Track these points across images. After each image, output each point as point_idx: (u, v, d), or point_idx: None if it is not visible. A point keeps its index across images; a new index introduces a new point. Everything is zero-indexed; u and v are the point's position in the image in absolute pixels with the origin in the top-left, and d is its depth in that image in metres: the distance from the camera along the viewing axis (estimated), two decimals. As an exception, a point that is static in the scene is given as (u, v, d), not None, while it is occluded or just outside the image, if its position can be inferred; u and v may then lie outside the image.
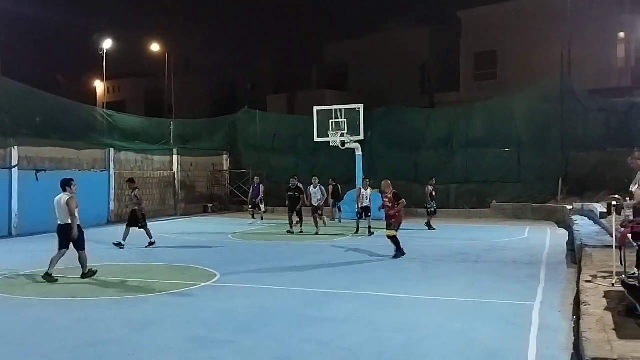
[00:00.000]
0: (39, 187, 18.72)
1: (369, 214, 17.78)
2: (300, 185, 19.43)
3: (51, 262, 10.48)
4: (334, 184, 23.17)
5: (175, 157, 26.16)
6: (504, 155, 24.66)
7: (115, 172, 22.51)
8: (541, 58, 31.31)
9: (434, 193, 19.67)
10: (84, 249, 10.77)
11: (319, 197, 19.58)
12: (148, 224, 15.83)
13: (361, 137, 23.74)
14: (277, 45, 54.84)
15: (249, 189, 27.20)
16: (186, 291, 9.64)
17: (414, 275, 11.10)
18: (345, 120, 23.79)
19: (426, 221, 19.40)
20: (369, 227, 17.67)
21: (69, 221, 10.63)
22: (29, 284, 10.41)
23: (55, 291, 9.71)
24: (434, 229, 18.99)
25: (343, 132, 23.59)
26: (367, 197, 18.06)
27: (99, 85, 55.14)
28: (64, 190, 10.95)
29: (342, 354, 6.38)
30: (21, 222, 18.11)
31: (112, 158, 22.40)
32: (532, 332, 7.11)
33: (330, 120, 23.99)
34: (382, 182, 13.63)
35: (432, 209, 19.71)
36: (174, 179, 26.07)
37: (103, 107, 33.79)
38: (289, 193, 18.77)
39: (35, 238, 17.25)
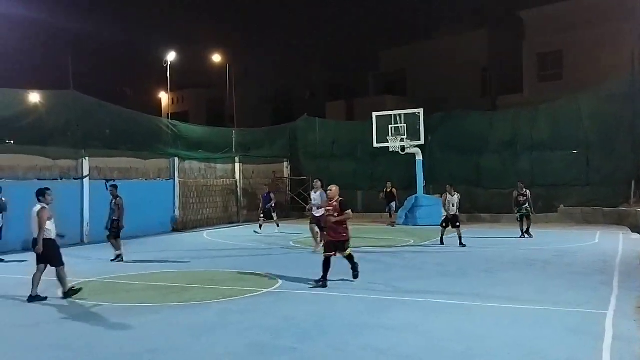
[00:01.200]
0: (108, 196, 19.42)
1: (458, 224, 16.27)
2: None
3: (33, 282, 9.63)
4: (390, 188, 23.34)
5: (237, 165, 26.64)
6: (571, 158, 23.79)
7: (179, 181, 23.09)
8: (609, 57, 30.03)
9: (520, 198, 17.83)
10: (62, 265, 9.75)
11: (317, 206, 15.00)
12: (209, 230, 16.04)
13: (421, 142, 23.49)
14: (334, 52, 55.01)
15: (309, 196, 27.45)
16: (248, 298, 9.73)
17: (479, 282, 10.82)
18: (405, 125, 23.62)
19: (521, 228, 17.86)
20: (460, 238, 16.03)
21: (46, 235, 9.59)
22: (98, 290, 10.76)
23: (122, 296, 10.00)
24: (528, 236, 17.61)
25: (403, 137, 23.42)
26: (454, 204, 16.35)
27: (164, 97, 56.89)
28: (39, 201, 9.81)
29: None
30: (92, 230, 18.81)
31: (176, 167, 23.00)
32: (605, 342, 6.79)
33: (390, 126, 23.87)
34: (330, 187, 11.06)
35: (520, 215, 17.90)
36: (237, 186, 26.52)
37: (168, 118, 34.82)
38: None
39: (106, 245, 17.88)
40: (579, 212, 22.46)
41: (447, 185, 16.97)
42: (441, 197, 23.50)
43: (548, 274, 11.58)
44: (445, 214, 16.51)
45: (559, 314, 8.20)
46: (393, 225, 22.59)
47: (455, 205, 16.41)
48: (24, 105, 18.92)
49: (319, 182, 15.82)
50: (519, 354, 6.46)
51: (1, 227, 15.12)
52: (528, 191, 18.00)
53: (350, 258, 10.84)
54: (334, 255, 10.55)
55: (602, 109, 23.45)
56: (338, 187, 11.05)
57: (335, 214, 10.59)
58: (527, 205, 17.80)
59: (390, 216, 23.35)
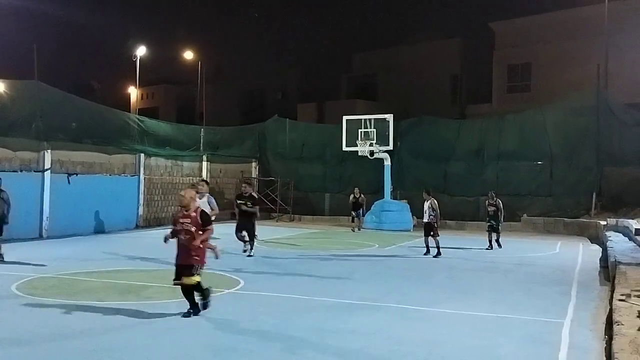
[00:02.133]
0: (70, 190, 19.06)
1: (432, 232, 15.14)
2: (255, 194, 16.62)
3: None
4: (358, 195, 22.08)
5: (204, 163, 26.35)
6: (536, 168, 24.22)
7: (145, 177, 22.74)
8: (576, 71, 30.70)
9: (489, 208, 17.02)
10: None
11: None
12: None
13: (390, 147, 23.62)
14: (306, 54, 55.03)
15: (277, 197, 27.39)
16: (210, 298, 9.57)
17: (440, 288, 10.89)
18: (375, 130, 23.72)
19: (489, 239, 16.88)
20: (437, 248, 15.15)
21: None
22: (54, 286, 10.48)
23: (79, 294, 9.76)
24: (497, 247, 16.81)
25: (372, 141, 23.51)
26: (425, 211, 15.32)
27: (133, 92, 56.07)
28: None
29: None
30: (52, 224, 18.38)
31: (142, 163, 22.64)
32: (562, 351, 6.87)
33: (360, 130, 23.95)
34: (182, 192, 8.51)
35: (488, 225, 17.01)
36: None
37: (136, 113, 34.30)
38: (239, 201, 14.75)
39: (65, 240, 17.51)
40: (541, 222, 22.85)
41: (424, 191, 15.92)
42: (407, 202, 23.82)
43: (508, 282, 11.71)
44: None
45: (517, 322, 8.28)
46: (354, 230, 21.76)
47: (428, 212, 15.26)
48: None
49: (205, 185, 13.53)
50: (478, 360, 6.50)
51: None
52: (499, 200, 17.01)
53: (198, 288, 8.22)
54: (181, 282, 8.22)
55: (567, 121, 23.97)
56: (193, 191, 8.71)
57: (193, 229, 8.11)
58: (495, 216, 16.77)
59: (352, 221, 22.34)
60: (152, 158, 23.36)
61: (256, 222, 14.95)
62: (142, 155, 22.66)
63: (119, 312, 8.57)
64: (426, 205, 15.34)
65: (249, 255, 14.32)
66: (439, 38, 42.15)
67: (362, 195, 22.13)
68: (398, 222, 22.57)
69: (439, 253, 15.03)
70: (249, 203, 14.43)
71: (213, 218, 9.67)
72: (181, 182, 24.95)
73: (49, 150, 18.83)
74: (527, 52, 34.95)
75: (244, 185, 15.31)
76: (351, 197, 22.21)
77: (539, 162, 24.14)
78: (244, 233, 14.46)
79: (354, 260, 14.68)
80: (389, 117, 23.79)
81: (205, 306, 8.28)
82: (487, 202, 17.38)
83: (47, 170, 18.68)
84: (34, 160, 18.64)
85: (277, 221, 26.56)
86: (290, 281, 11.35)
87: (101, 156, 21.03)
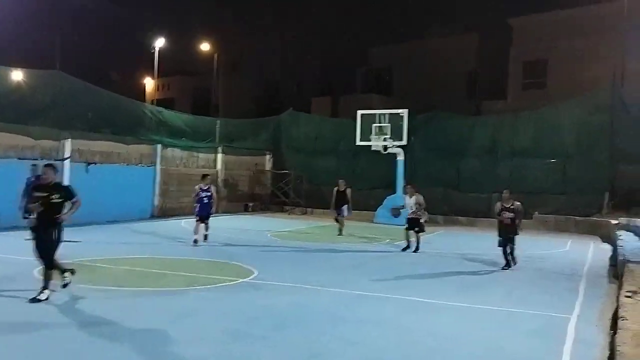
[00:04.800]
0: (88, 179, 19.43)
1: (417, 228, 14.97)
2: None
3: None
4: (342, 187, 18.76)
5: (219, 155, 26.67)
6: (549, 166, 24.21)
7: (161, 168, 23.09)
8: (592, 68, 30.61)
9: (503, 214, 12.85)
10: None
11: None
12: (188, 219, 16.29)
13: (404, 143, 23.75)
14: (322, 47, 55.00)
15: (290, 190, 27.68)
16: (225, 286, 9.89)
17: (449, 282, 11.09)
18: (389, 124, 23.87)
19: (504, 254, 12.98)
20: (417, 243, 15.02)
21: None
22: (77, 271, 10.80)
23: (100, 280, 10.09)
24: (513, 264, 12.98)
25: (386, 136, 23.66)
26: (411, 207, 15.07)
27: (149, 83, 56.56)
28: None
29: (368, 354, 6.51)
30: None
31: (159, 154, 22.98)
32: (566, 344, 7.06)
33: (373, 125, 24.11)
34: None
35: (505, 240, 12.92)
36: (217, 176, 26.55)
37: (153, 104, 34.70)
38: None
39: (82, 228, 17.87)
40: (553, 219, 22.89)
41: (404, 185, 15.86)
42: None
43: (517, 278, 11.89)
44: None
45: (524, 316, 8.48)
46: (341, 233, 18.67)
47: (414, 208, 14.95)
48: (7, 83, 18.79)
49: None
50: (484, 352, 6.72)
51: None
52: (518, 204, 12.96)
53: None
54: None
55: (582, 119, 23.91)
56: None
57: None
58: (513, 227, 12.79)
59: (336, 221, 19.04)
60: (169, 149, 23.70)
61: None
62: (159, 145, 23.00)
63: (138, 297, 8.91)
64: (412, 200, 15.10)
65: None
66: (455, 33, 42.12)
67: (348, 189, 18.92)
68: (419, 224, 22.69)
69: (417, 249, 14.90)
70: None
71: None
72: (197, 173, 25.26)
73: (69, 140, 19.23)
74: (543, 49, 34.83)
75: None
76: (335, 190, 18.95)
77: (553, 160, 24.13)
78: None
79: (365, 254, 14.92)
80: (404, 112, 23.92)
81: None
82: (500, 206, 12.88)
83: (66, 159, 19.08)
84: (55, 148, 19.06)
85: (289, 214, 26.84)
86: (302, 272, 11.61)
87: (119, 146, 21.40)
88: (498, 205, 13.15)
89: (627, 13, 27.09)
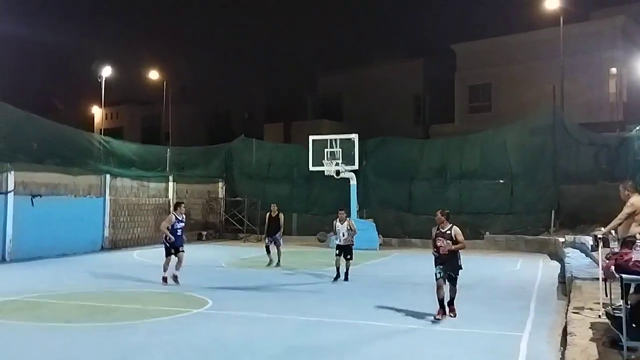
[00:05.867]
0: (34, 212, 18.83)
1: (349, 256, 14.06)
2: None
3: None
4: (275, 212, 17.33)
5: (171, 184, 26.29)
6: (497, 187, 24.88)
7: (110, 199, 22.59)
8: (535, 91, 31.80)
9: (438, 242, 9.88)
10: None
11: None
12: (140, 250, 15.91)
13: (355, 167, 23.99)
14: (273, 75, 55.48)
15: (244, 217, 27.46)
16: (178, 318, 9.69)
17: (405, 305, 11.15)
18: (340, 149, 24.10)
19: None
20: (347, 271, 14.10)
21: None
22: (20, 308, 10.42)
23: (48, 317, 9.73)
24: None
25: (338, 161, 23.87)
26: (343, 234, 14.10)
27: (97, 112, 55.48)
28: None
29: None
30: (15, 247, 18.12)
31: (108, 184, 22.50)
32: (519, 362, 7.21)
33: (325, 150, 24.29)
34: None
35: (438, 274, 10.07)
36: (169, 205, 26.11)
37: (101, 134, 34.03)
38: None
39: (29, 264, 17.28)
40: (503, 239, 23.44)
41: (340, 211, 14.52)
42: (373, 221, 24.17)
43: (470, 298, 12.04)
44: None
45: (477, 335, 8.61)
46: (272, 263, 17.11)
47: (346, 235, 14.05)
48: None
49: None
50: (439, 373, 6.78)
51: None
52: (455, 228, 9.76)
53: None
54: None
55: (526, 141, 24.76)
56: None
57: None
58: (454, 258, 9.80)
59: (268, 251, 17.11)
60: (118, 179, 23.23)
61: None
62: (108, 175, 22.53)
63: (88, 333, 8.62)
64: (344, 225, 14.11)
65: None
66: (402, 59, 43.05)
67: (281, 214, 17.54)
68: (364, 240, 22.81)
69: (347, 277, 14.05)
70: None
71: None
72: (148, 202, 24.89)
73: (12, 172, 18.62)
74: (487, 73, 36.01)
75: None
76: (267, 215, 17.59)
77: (501, 181, 24.81)
78: None
79: (321, 279, 14.87)
80: (354, 136, 24.21)
81: None
82: (435, 230, 10.06)
83: (10, 192, 18.45)
84: (-3, 182, 18.41)
85: (244, 242, 26.61)
86: (258, 300, 11.49)
87: (66, 177, 20.85)
88: (433, 230, 10.11)
89: (564, 38, 28.33)
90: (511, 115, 30.15)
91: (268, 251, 17.24)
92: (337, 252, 14.21)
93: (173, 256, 13.41)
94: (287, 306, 10.83)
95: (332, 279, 14.12)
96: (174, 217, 13.60)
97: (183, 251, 13.55)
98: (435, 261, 9.90)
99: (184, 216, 13.92)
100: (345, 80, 44.64)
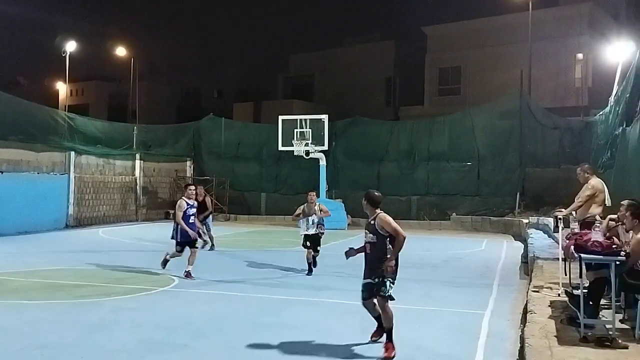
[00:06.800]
0: (-5, 188, 18.41)
1: (318, 248, 12.21)
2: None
3: None
4: (202, 196, 15.77)
5: (137, 162, 25.93)
6: (464, 169, 25.20)
7: (75, 176, 22.19)
8: (503, 75, 32.14)
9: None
10: None
11: None
12: (106, 228, 15.66)
13: (325, 148, 23.99)
14: (244, 54, 54.94)
15: (212, 196, 27.26)
16: (143, 296, 9.61)
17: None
18: (310, 130, 24.04)
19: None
20: (314, 262, 12.17)
21: None
22: (-20, 286, 10.21)
23: (7, 293, 9.55)
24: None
25: (307, 141, 23.82)
26: (313, 221, 12.07)
27: (62, 88, 54.22)
28: None
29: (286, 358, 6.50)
30: (-25, 224, 17.72)
31: (72, 161, 22.09)
32: (481, 339, 7.34)
33: (295, 130, 24.20)
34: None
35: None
36: (136, 184, 25.81)
37: (65, 110, 33.30)
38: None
39: (-10, 241, 16.91)
40: (470, 220, 23.81)
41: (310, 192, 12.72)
42: (342, 201, 24.25)
43: (435, 277, 12.26)
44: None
45: (442, 313, 8.75)
46: (206, 245, 15.71)
47: (316, 221, 12.08)
48: None
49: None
50: (404, 350, 6.85)
51: None
52: (390, 223, 6.94)
53: None
54: None
55: (493, 124, 25.09)
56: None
57: None
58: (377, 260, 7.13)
59: (200, 236, 13.93)
60: (83, 156, 22.83)
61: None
62: (73, 153, 22.11)
63: (51, 310, 8.50)
64: (315, 212, 12.15)
65: None
66: (374, 41, 43.02)
67: (209, 199, 16.51)
68: (333, 221, 22.87)
69: (315, 264, 12.28)
70: None
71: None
72: (113, 180, 24.53)
73: (-28, 147, 18.14)
74: (457, 56, 36.23)
75: None
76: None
77: (468, 163, 25.12)
78: None
79: (289, 259, 14.88)
80: (325, 117, 24.17)
81: None
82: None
83: (-30, 168, 17.98)
84: (-44, 157, 17.92)
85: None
86: (224, 279, 11.45)
87: (28, 154, 20.42)
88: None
89: (532, 23, 28.63)
90: (480, 98, 30.48)
91: (200, 236, 14.15)
92: (307, 244, 12.01)
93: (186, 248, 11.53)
94: (252, 285, 10.82)
95: (306, 273, 12.08)
96: (184, 202, 11.48)
97: (197, 247, 11.79)
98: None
99: (194, 201, 11.93)
100: (317, 61, 44.46)
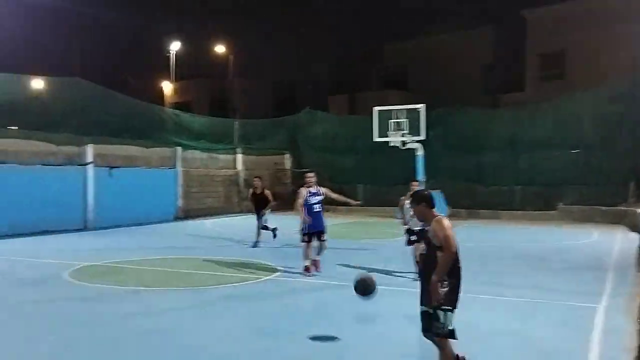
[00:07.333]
0: (112, 183, 19.71)
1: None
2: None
3: None
4: (260, 189, 15.42)
5: (239, 156, 26.85)
6: (571, 156, 23.99)
7: (182, 170, 23.31)
8: (611, 58, 30.21)
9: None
10: None
11: None
12: (211, 220, 16.33)
13: (422, 137, 23.64)
14: (337, 45, 55.16)
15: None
16: (250, 284, 9.98)
17: (474, 275, 10.97)
18: (406, 120, 23.76)
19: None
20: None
21: None
22: (104, 273, 11.00)
23: (127, 281, 10.23)
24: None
25: (404, 132, 23.58)
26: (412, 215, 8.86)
27: (167, 86, 56.96)
28: None
29: (392, 349, 6.54)
30: (95, 216, 19.06)
31: (179, 156, 23.22)
32: (594, 334, 7.02)
33: (390, 121, 24.02)
34: None
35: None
36: (238, 176, 26.74)
37: (171, 108, 34.98)
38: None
39: (108, 231, 18.17)
40: (578, 210, 22.69)
41: (411, 182, 11.89)
42: (441, 191, 23.78)
43: (543, 269, 11.80)
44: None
45: (551, 306, 8.43)
46: (258, 243, 14.90)
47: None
48: (28, 91, 19.18)
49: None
50: (512, 343, 6.70)
51: None
52: (445, 223, 5.63)
53: None
54: None
55: (603, 109, 23.63)
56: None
57: None
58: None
59: (259, 233, 14.89)
60: (189, 151, 23.92)
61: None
62: (179, 148, 23.23)
63: (167, 297, 9.03)
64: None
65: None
66: (470, 27, 41.82)
67: (266, 190, 15.64)
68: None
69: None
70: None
71: None
72: (217, 174, 25.55)
73: (90, 145, 19.50)
74: (560, 40, 34.42)
75: None
76: (250, 191, 15.92)
77: (575, 151, 23.90)
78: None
79: (389, 249, 14.90)
80: (421, 107, 23.79)
81: None
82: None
83: (89, 163, 19.35)
84: (77, 154, 19.34)
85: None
86: (327, 269, 11.63)
87: (140, 150, 21.69)
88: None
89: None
90: (586, 83, 28.80)
91: (259, 232, 15.00)
92: (414, 238, 9.55)
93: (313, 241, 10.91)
94: (351, 273, 10.87)
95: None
96: (304, 191, 10.86)
97: (324, 240, 11.04)
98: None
99: (319, 189, 11.16)
100: (411, 50, 43.86)
